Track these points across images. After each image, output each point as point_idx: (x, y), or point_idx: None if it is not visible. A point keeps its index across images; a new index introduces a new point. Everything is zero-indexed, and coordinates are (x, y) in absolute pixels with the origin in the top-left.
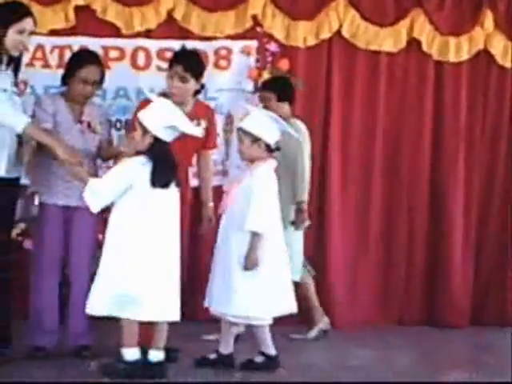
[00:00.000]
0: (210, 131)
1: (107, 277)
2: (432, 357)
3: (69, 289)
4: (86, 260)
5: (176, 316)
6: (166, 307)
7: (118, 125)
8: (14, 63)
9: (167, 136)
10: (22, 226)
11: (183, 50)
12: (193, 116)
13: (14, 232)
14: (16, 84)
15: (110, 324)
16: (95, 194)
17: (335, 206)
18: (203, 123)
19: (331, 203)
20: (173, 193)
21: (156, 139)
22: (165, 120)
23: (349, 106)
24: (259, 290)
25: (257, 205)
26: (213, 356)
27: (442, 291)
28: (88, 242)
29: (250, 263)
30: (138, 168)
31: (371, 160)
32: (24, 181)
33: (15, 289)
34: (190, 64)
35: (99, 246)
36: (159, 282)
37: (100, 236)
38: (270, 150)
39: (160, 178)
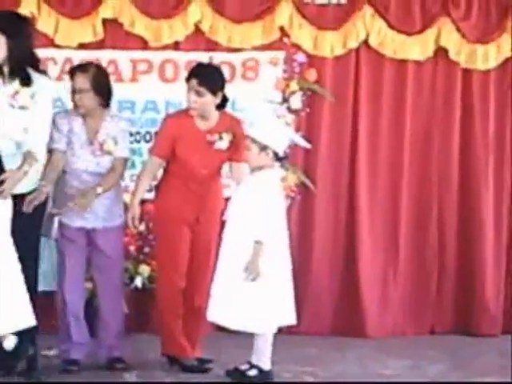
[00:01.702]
0: (237, 143)
1: None
2: (464, 365)
3: (98, 301)
4: (113, 273)
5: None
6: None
7: (148, 137)
8: (18, 73)
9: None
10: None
11: (199, 64)
12: (214, 131)
13: None
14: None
15: (146, 337)
16: None
17: (364, 216)
18: (225, 136)
19: (360, 212)
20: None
21: None
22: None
23: (377, 115)
24: (261, 298)
25: (260, 213)
26: (253, 372)
27: (474, 299)
28: (113, 257)
29: (251, 272)
30: None
31: (400, 169)
32: None
33: (45, 302)
34: (204, 78)
35: (127, 257)
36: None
37: (132, 247)
38: (278, 158)
39: None
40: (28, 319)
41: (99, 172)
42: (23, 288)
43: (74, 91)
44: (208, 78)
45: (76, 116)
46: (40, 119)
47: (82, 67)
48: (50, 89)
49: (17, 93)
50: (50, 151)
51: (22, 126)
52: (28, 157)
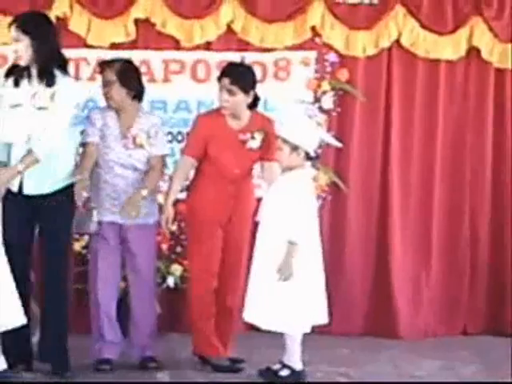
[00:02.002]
0: (269, 142)
1: None
2: (497, 366)
3: (131, 301)
4: (145, 272)
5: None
6: None
7: (180, 137)
8: (45, 74)
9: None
10: (85, 238)
11: (231, 63)
12: (246, 130)
13: (78, 245)
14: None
15: (178, 337)
16: None
17: (396, 216)
18: (258, 135)
19: (392, 213)
20: None
21: None
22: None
23: (409, 115)
24: (294, 299)
25: (293, 214)
26: (285, 372)
27: (506, 300)
28: (144, 255)
29: (284, 273)
30: None
31: (432, 169)
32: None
33: (80, 302)
34: (236, 77)
35: (159, 257)
36: None
37: (164, 247)
38: (309, 157)
39: None
40: (17, 319)
41: (131, 164)
42: (11, 287)
43: (103, 85)
44: (239, 76)
45: (110, 111)
46: (55, 119)
47: (110, 61)
48: (72, 90)
49: (36, 93)
50: (84, 145)
51: (42, 126)
52: (27, 156)
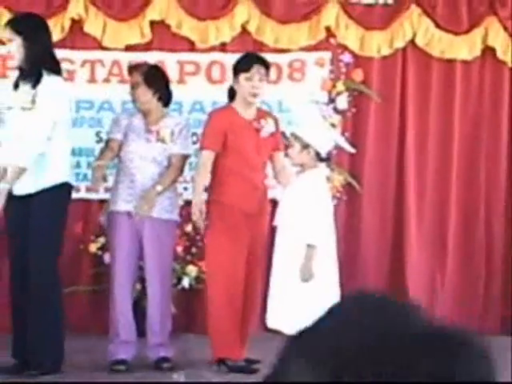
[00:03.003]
0: (274, 133)
1: None
2: None
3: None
4: (159, 271)
5: None
6: None
7: (195, 138)
8: (33, 75)
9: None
10: (101, 240)
11: (257, 54)
12: (257, 118)
13: (94, 246)
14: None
15: (193, 337)
16: None
17: (411, 217)
18: (270, 121)
19: (407, 214)
20: None
21: None
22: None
23: (424, 115)
24: (314, 301)
25: (310, 216)
26: None
27: None
28: (159, 254)
29: (305, 275)
30: None
31: (448, 170)
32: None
33: (96, 303)
34: (267, 65)
35: (175, 258)
36: None
37: (179, 248)
38: (320, 158)
39: None
40: None
41: (152, 157)
42: None
43: (130, 88)
44: (268, 65)
45: (137, 114)
46: (36, 121)
47: (136, 65)
48: (54, 90)
49: (20, 94)
50: (107, 142)
51: (25, 128)
52: (9, 172)
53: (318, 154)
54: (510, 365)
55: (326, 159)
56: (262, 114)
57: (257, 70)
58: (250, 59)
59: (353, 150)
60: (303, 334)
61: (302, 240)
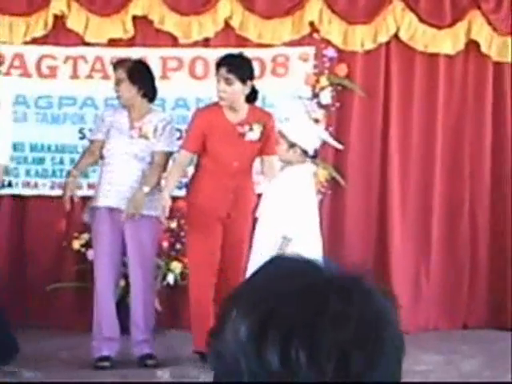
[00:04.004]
0: (268, 136)
1: None
2: (498, 360)
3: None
4: (141, 267)
5: None
6: None
7: (178, 134)
8: None
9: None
10: (85, 236)
11: (228, 54)
12: (244, 123)
13: (78, 243)
14: None
15: (178, 334)
16: None
17: (395, 211)
18: (256, 127)
19: (391, 207)
20: None
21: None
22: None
23: (408, 110)
24: None
25: (289, 209)
26: None
27: (507, 293)
28: (141, 249)
29: None
30: None
31: (431, 164)
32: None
33: (79, 300)
34: (233, 65)
35: (158, 254)
36: None
37: (165, 243)
38: (307, 156)
39: None
40: None
41: (134, 153)
42: None
43: (115, 84)
44: (236, 65)
45: (122, 110)
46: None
47: (121, 61)
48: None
49: None
50: (90, 142)
51: None
52: None
53: (305, 152)
54: (494, 357)
55: (313, 157)
56: (254, 117)
57: (221, 74)
58: (217, 62)
59: (340, 147)
60: (238, 288)
61: (279, 232)
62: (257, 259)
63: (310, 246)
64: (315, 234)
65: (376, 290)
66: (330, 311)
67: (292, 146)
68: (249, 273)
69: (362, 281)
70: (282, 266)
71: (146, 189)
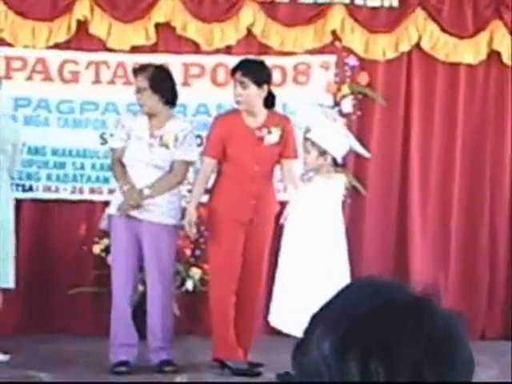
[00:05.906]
0: (286, 140)
1: None
2: None
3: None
4: (159, 276)
5: None
6: None
7: (199, 141)
8: None
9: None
10: (105, 241)
11: (244, 59)
12: (263, 126)
13: (98, 248)
14: None
15: (196, 340)
16: None
17: (415, 220)
18: (275, 131)
19: (411, 217)
20: None
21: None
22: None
23: (429, 119)
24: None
25: (321, 221)
26: None
27: None
28: (159, 257)
29: None
30: None
31: (452, 173)
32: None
33: (99, 304)
34: (247, 69)
35: (178, 260)
36: None
37: (188, 251)
38: (336, 164)
39: None
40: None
41: (154, 163)
42: None
43: (136, 91)
44: (251, 69)
45: (142, 116)
46: None
47: (142, 67)
48: None
49: None
50: (112, 150)
51: None
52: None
53: (334, 160)
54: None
55: (343, 165)
56: (272, 121)
57: (236, 78)
58: (233, 68)
59: (368, 155)
60: (322, 307)
61: (311, 243)
62: (286, 269)
63: (338, 257)
64: (342, 244)
65: (447, 310)
66: (404, 329)
67: (322, 153)
68: (277, 282)
69: (434, 301)
70: (360, 287)
71: (147, 191)
